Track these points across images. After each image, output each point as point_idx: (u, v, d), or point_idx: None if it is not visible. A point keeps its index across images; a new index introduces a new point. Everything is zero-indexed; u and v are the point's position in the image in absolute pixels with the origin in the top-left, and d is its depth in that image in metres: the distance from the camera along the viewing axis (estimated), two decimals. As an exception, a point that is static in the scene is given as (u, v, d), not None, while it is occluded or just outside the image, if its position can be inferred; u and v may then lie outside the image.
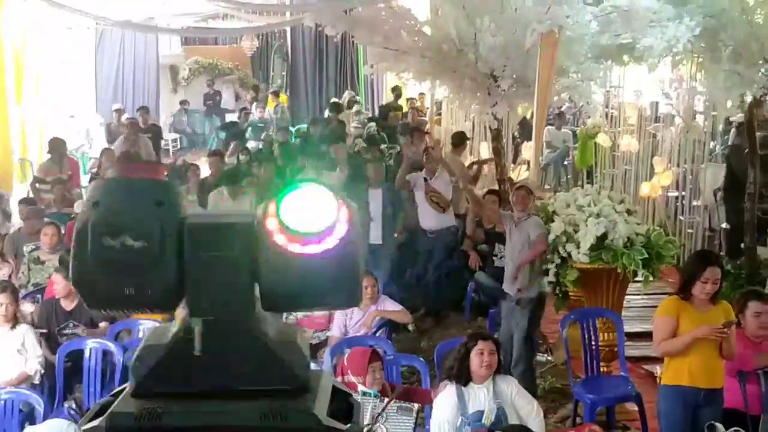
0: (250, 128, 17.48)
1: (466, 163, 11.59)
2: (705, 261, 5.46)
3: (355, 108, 18.00)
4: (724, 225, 10.49)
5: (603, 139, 12.67)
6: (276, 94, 20.88)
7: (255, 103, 19.95)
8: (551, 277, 7.39)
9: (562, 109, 16.71)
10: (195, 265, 1.45)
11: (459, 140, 11.11)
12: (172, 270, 1.44)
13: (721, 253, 9.47)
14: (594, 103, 9.93)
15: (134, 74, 20.48)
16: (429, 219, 9.46)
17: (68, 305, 7.23)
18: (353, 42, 16.77)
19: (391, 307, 7.54)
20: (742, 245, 9.01)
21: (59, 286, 7.22)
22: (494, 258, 8.69)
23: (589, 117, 13.05)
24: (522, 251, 7.25)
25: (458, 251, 9.53)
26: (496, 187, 9.87)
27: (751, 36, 7.87)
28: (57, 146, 12.45)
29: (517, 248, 7.30)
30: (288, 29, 22.20)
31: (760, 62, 8.00)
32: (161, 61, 21.23)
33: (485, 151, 13.17)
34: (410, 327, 8.39)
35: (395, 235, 9.73)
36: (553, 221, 7.35)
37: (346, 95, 19.93)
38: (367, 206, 9.30)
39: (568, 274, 7.21)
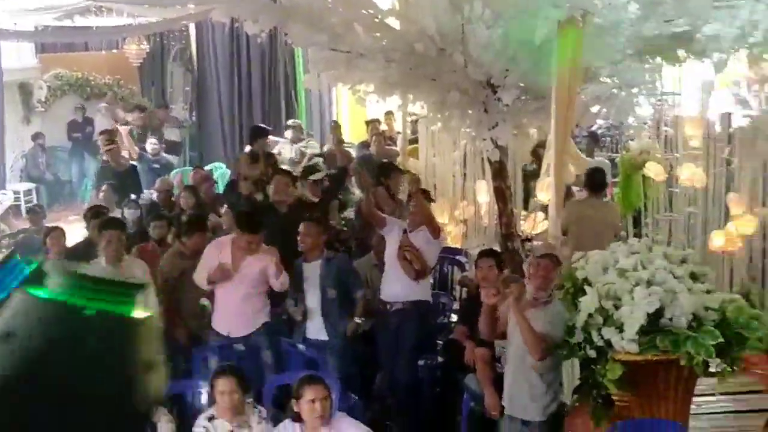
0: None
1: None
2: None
3: (304, 145, 18.17)
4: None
5: (654, 171, 12.67)
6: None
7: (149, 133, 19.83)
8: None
9: (594, 130, 16.83)
10: None
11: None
12: None
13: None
14: (639, 119, 9.99)
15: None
16: (393, 285, 9.53)
17: None
18: (287, 43, 16.82)
19: (350, 429, 7.46)
20: None
21: None
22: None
23: (632, 139, 13.12)
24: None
25: (448, 341, 9.47)
26: (497, 247, 9.89)
27: None
28: None
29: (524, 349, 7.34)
30: (192, 27, 22.35)
31: None
32: (6, 78, 21.01)
33: (483, 193, 13.20)
34: (382, 457, 8.33)
35: (356, 320, 9.63)
36: (583, 293, 7.32)
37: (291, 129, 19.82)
38: (298, 286, 9.39)
39: (608, 370, 7.10)
